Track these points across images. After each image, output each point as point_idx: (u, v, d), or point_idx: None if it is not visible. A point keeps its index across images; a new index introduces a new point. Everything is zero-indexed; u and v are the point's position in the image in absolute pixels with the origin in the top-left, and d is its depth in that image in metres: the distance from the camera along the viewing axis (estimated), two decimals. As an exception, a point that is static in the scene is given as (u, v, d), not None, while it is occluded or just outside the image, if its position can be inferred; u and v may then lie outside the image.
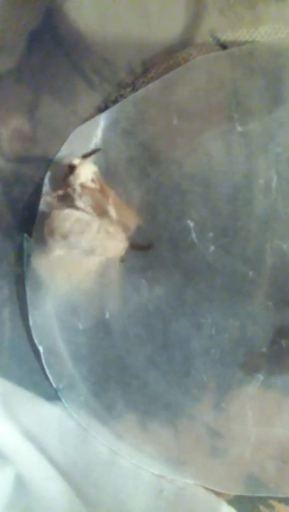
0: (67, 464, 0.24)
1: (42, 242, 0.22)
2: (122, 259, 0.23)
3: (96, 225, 0.22)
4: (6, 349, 0.24)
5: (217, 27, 0.22)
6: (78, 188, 0.22)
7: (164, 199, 0.23)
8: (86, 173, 0.22)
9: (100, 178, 0.22)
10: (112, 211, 0.22)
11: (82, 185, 0.22)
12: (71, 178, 0.22)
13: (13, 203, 0.24)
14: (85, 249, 0.22)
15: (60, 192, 0.22)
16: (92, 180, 0.22)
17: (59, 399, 0.24)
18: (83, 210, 0.22)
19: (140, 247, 0.23)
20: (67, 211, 0.22)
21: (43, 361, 0.24)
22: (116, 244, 0.22)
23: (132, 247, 0.23)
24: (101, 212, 0.22)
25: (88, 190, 0.22)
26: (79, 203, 0.22)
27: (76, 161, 0.22)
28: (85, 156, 0.22)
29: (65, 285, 0.23)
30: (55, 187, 0.23)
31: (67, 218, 0.22)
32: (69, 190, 0.22)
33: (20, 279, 0.24)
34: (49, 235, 0.22)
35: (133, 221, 0.23)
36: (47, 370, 0.24)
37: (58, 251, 0.22)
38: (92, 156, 0.23)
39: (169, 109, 0.23)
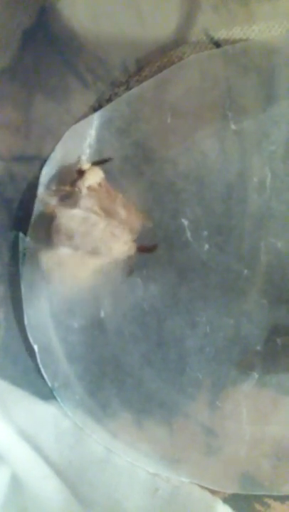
0: (62, 463, 0.24)
1: (42, 241, 0.22)
2: (130, 270, 0.23)
3: (102, 225, 0.22)
4: (0, 348, 0.24)
5: (211, 25, 0.22)
6: (85, 190, 0.22)
7: (158, 198, 0.23)
8: (94, 178, 0.22)
9: (106, 183, 0.22)
10: (122, 212, 0.22)
11: (89, 188, 0.22)
12: (79, 182, 0.22)
13: (7, 202, 0.24)
14: (89, 250, 0.22)
15: (64, 191, 0.22)
16: (99, 185, 0.22)
17: (54, 398, 0.24)
18: (89, 211, 0.22)
19: (146, 249, 0.23)
20: (74, 211, 0.22)
21: (38, 360, 0.24)
22: (121, 246, 0.22)
23: (139, 249, 0.23)
24: (107, 214, 0.22)
25: (94, 192, 0.22)
26: (85, 204, 0.22)
27: (86, 166, 0.22)
28: (95, 163, 0.22)
29: (69, 284, 0.23)
30: (54, 186, 0.23)
31: (73, 218, 0.22)
32: (75, 190, 0.22)
33: (15, 278, 0.24)
34: (54, 234, 0.22)
35: (140, 222, 0.23)
36: (42, 369, 0.24)
37: (62, 250, 0.22)
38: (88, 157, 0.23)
39: (163, 107, 0.23)
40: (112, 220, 0.22)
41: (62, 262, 0.22)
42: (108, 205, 0.22)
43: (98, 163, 0.22)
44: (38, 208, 0.23)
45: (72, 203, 0.22)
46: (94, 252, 0.22)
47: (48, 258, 0.23)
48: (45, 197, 0.23)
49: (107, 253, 0.22)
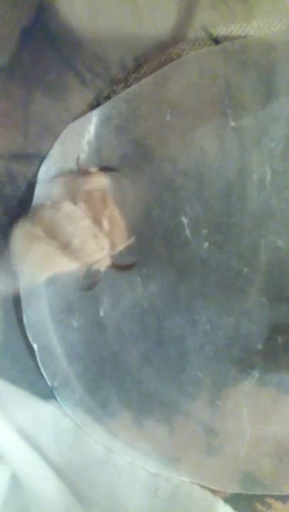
0: (62, 462, 0.24)
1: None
2: (91, 284, 0.22)
3: (87, 223, 0.21)
4: (0, 347, 0.24)
5: (209, 22, 0.22)
6: (83, 193, 0.22)
7: (157, 195, 0.23)
8: (97, 183, 0.22)
9: (106, 191, 0.22)
10: (106, 223, 0.22)
11: (87, 192, 0.22)
12: (80, 180, 0.22)
13: (6, 200, 0.23)
14: (63, 235, 0.21)
15: (65, 189, 0.22)
16: (98, 192, 0.22)
17: (54, 397, 0.24)
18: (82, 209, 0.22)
19: (122, 267, 0.23)
20: (66, 202, 0.22)
21: (38, 359, 0.24)
22: (96, 249, 0.22)
23: (114, 266, 0.22)
24: (96, 221, 0.22)
25: (89, 197, 0.22)
26: (80, 204, 0.22)
27: (93, 169, 0.22)
28: (103, 169, 0.22)
29: (28, 271, 0.23)
30: (55, 185, 0.23)
31: (63, 206, 0.21)
32: (75, 190, 0.22)
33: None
34: (40, 208, 0.22)
35: (122, 241, 0.22)
36: (42, 368, 0.24)
37: (41, 216, 0.21)
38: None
39: (162, 104, 0.22)
40: (98, 227, 0.22)
41: (33, 243, 0.22)
42: (97, 213, 0.22)
43: (105, 169, 0.22)
44: (37, 198, 0.23)
45: (69, 199, 0.22)
46: (67, 241, 0.21)
47: (21, 233, 0.22)
48: (45, 191, 0.23)
49: (79, 247, 0.22)
